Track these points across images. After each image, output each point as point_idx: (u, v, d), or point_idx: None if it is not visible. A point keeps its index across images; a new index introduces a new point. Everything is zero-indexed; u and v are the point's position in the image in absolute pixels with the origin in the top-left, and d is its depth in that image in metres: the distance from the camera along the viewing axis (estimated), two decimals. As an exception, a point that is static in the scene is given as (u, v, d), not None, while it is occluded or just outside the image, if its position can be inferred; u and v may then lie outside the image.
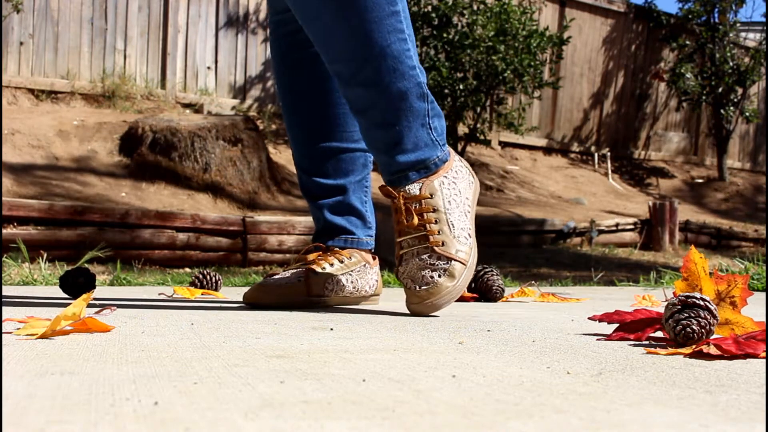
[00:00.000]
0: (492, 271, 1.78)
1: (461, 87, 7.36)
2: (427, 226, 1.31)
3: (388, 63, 1.29)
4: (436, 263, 1.29)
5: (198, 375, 0.65)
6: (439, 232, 1.31)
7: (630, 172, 9.67)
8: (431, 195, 1.33)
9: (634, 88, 9.91)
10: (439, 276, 1.28)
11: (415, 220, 1.31)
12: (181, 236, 4.56)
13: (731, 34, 9.61)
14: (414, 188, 1.33)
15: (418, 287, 1.28)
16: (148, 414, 0.49)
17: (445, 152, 1.38)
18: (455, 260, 1.30)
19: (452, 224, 1.32)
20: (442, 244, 1.30)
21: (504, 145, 9.05)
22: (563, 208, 7.51)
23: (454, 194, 1.35)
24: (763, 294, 2.04)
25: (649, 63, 9.97)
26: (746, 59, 9.72)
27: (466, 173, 1.41)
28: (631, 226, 6.43)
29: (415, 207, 1.32)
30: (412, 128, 1.33)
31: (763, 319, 0.98)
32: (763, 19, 10.42)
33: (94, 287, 1.66)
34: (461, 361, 0.75)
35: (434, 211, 1.32)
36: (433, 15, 7.43)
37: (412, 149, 1.33)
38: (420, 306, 1.29)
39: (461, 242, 1.32)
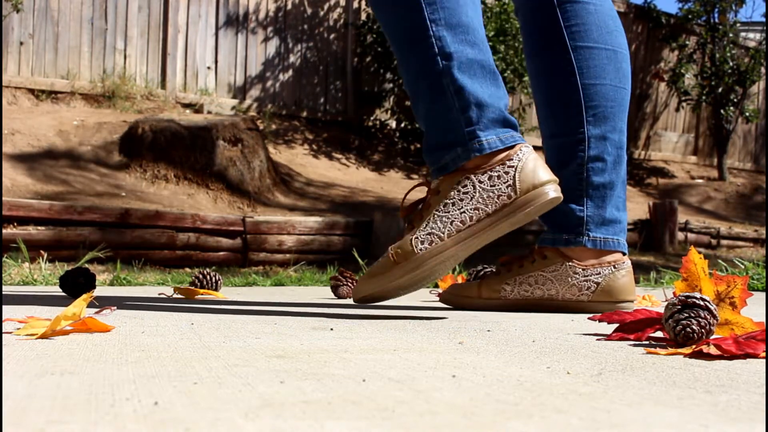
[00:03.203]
0: (492, 270, 1.78)
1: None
2: (413, 221, 1.27)
3: (407, 54, 1.28)
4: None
5: (198, 375, 0.65)
6: (411, 227, 1.26)
7: (630, 172, 9.66)
8: (439, 191, 1.26)
9: (634, 88, 9.90)
10: (375, 264, 1.27)
11: (408, 209, 1.30)
12: (181, 236, 4.56)
13: (731, 34, 9.61)
14: (435, 182, 1.29)
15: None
16: (148, 414, 0.49)
17: (477, 148, 1.23)
18: (391, 256, 1.24)
19: (427, 224, 1.23)
20: (401, 237, 1.25)
21: (504, 145, 9.03)
22: (563, 208, 7.49)
23: (460, 197, 1.22)
24: (763, 294, 2.04)
25: (649, 63, 9.98)
26: (746, 59, 9.72)
27: (502, 182, 1.22)
28: (631, 226, 6.43)
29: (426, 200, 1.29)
30: (433, 125, 1.27)
31: (763, 319, 0.98)
32: (763, 19, 10.42)
33: (94, 287, 1.66)
34: (461, 361, 0.75)
35: (427, 208, 1.26)
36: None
37: (432, 147, 1.29)
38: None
39: (410, 243, 1.22)
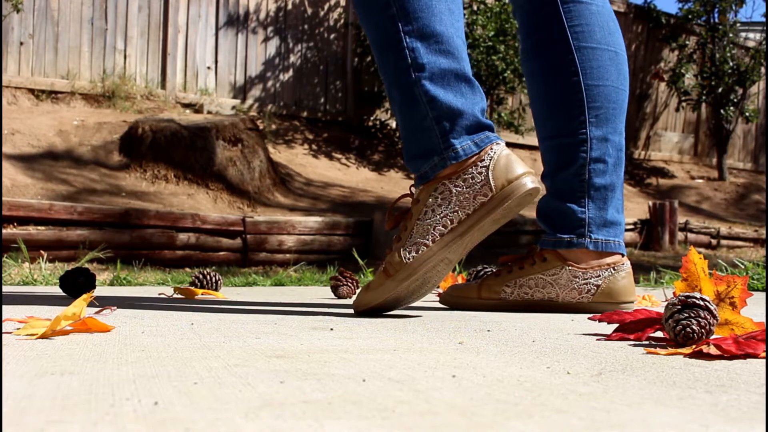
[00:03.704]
0: (492, 271, 1.78)
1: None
2: (400, 233, 1.29)
3: (383, 60, 1.29)
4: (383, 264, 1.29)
5: (198, 375, 0.65)
6: (398, 238, 1.28)
7: (630, 172, 9.66)
8: (419, 200, 1.28)
9: (634, 88, 9.91)
10: (373, 278, 1.30)
11: (388, 225, 1.32)
12: (181, 236, 4.56)
13: (731, 34, 9.61)
14: (416, 191, 1.31)
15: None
16: (148, 414, 0.49)
17: (452, 156, 1.25)
18: (384, 270, 1.26)
19: (411, 235, 1.25)
20: (392, 249, 1.28)
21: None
22: (563, 208, 7.50)
23: (437, 204, 1.24)
24: (763, 294, 2.04)
25: (649, 63, 9.98)
26: (746, 59, 9.72)
27: (477, 181, 1.23)
28: (631, 226, 6.43)
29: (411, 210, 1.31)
30: (410, 135, 1.29)
31: (763, 320, 0.98)
32: (763, 19, 10.42)
33: (94, 287, 1.66)
34: (461, 361, 0.75)
35: (409, 219, 1.27)
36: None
37: (411, 157, 1.30)
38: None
39: (399, 254, 1.25)
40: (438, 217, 1.24)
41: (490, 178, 1.23)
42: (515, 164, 1.25)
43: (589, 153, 1.46)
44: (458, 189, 1.24)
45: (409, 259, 1.23)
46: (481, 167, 1.24)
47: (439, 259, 1.23)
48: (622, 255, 1.48)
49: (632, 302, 1.47)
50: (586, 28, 1.47)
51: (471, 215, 1.23)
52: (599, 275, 1.44)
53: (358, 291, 1.30)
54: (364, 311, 1.29)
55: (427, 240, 1.23)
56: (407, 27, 1.25)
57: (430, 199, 1.25)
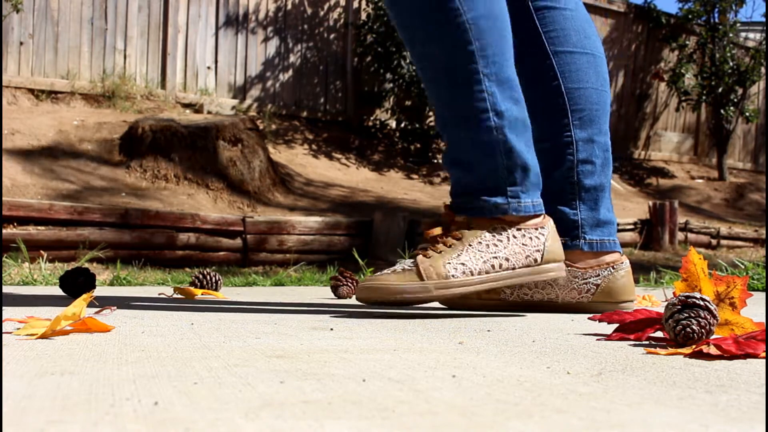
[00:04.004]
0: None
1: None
2: (437, 244, 1.31)
3: (456, 108, 1.31)
4: (408, 265, 1.29)
5: (198, 375, 0.65)
6: (441, 251, 1.30)
7: (630, 172, 9.66)
8: (471, 227, 1.32)
9: (634, 88, 9.91)
10: (393, 272, 1.29)
11: (434, 231, 1.33)
12: (181, 236, 4.56)
13: (731, 34, 9.61)
14: (462, 217, 1.34)
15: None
16: (148, 414, 0.49)
17: (515, 207, 1.33)
18: (417, 270, 1.28)
19: (459, 255, 1.29)
20: (428, 257, 1.29)
21: (504, 145, 9.03)
22: (563, 208, 7.50)
23: (494, 243, 1.31)
24: (763, 294, 2.04)
25: (649, 63, 9.97)
26: (746, 59, 9.72)
27: (533, 245, 1.33)
28: (631, 226, 6.43)
29: (452, 228, 1.34)
30: (477, 173, 1.33)
31: (763, 320, 0.98)
32: (763, 19, 10.42)
33: (94, 287, 1.66)
34: (461, 361, 0.75)
35: (457, 238, 1.31)
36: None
37: (468, 190, 1.33)
38: (358, 289, 1.30)
39: (444, 267, 1.28)
40: (491, 255, 1.31)
41: (545, 249, 1.34)
42: (561, 247, 1.38)
43: (576, 155, 1.48)
44: (515, 241, 1.32)
45: (453, 275, 1.28)
46: (540, 234, 1.34)
47: (473, 291, 1.30)
48: (620, 254, 1.48)
49: (632, 301, 1.47)
50: (561, 33, 1.49)
51: (516, 269, 1.32)
52: (598, 274, 1.45)
53: (371, 278, 1.29)
54: (377, 301, 1.28)
55: (475, 269, 1.29)
56: (486, 70, 1.29)
57: (488, 234, 1.32)
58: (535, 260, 1.33)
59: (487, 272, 1.30)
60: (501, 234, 1.32)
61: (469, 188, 1.34)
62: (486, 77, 1.29)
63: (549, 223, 1.37)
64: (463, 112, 1.31)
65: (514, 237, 1.32)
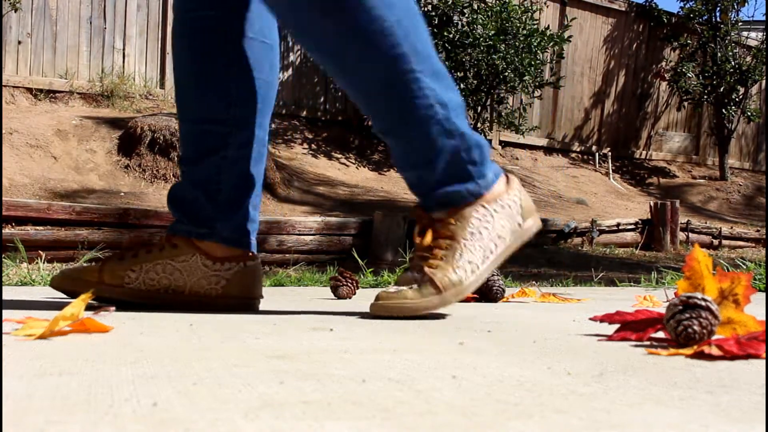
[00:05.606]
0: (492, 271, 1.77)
1: (462, 86, 7.36)
2: (434, 249, 1.30)
3: (402, 113, 1.29)
4: (418, 278, 1.28)
5: (197, 375, 0.65)
6: (442, 257, 1.29)
7: (631, 171, 9.67)
8: (455, 222, 1.31)
9: (636, 87, 9.91)
10: (409, 288, 1.27)
11: (427, 239, 1.32)
12: (181, 236, 4.56)
13: (733, 34, 9.61)
14: (440, 213, 1.32)
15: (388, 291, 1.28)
16: (147, 414, 0.49)
17: (485, 184, 1.33)
18: (432, 283, 1.27)
19: (461, 254, 1.29)
20: (435, 267, 1.28)
21: (504, 144, 9.05)
22: (564, 208, 7.51)
23: (483, 226, 1.32)
24: (763, 294, 2.04)
25: (650, 62, 9.98)
26: (748, 58, 9.72)
27: (514, 211, 1.35)
28: (632, 226, 6.43)
29: (437, 228, 1.32)
30: (439, 166, 1.31)
31: (764, 320, 0.98)
32: (765, 18, 10.42)
33: (93, 287, 1.65)
34: (461, 362, 0.75)
35: (450, 237, 1.30)
36: (433, 14, 7.42)
37: (438, 185, 1.32)
38: (373, 305, 1.27)
39: (455, 273, 1.28)
40: (486, 240, 1.32)
41: (523, 209, 1.37)
42: (530, 198, 1.40)
43: (234, 143, 1.42)
44: (498, 215, 1.34)
45: (466, 278, 1.29)
46: (514, 195, 1.36)
47: (484, 279, 1.32)
48: (252, 252, 1.45)
49: (259, 298, 1.44)
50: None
51: (506, 240, 1.34)
52: (229, 268, 1.40)
53: (381, 293, 1.27)
54: (405, 311, 1.25)
55: (479, 263, 1.31)
56: (419, 66, 1.27)
57: (474, 221, 1.31)
58: (519, 224, 1.36)
59: (487, 258, 1.32)
60: (485, 215, 1.33)
61: (437, 184, 1.33)
62: (422, 74, 1.27)
63: (513, 181, 1.39)
64: (409, 114, 1.28)
65: (496, 212, 1.34)
